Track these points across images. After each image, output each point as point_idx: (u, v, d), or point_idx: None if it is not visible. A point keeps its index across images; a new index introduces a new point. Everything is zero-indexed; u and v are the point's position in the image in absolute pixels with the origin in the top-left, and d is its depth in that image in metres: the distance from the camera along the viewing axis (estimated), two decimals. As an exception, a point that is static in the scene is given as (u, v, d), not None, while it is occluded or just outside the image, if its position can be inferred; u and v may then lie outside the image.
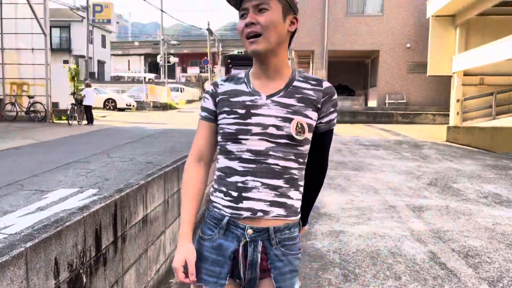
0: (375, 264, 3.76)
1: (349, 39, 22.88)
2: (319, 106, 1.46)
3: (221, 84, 1.49)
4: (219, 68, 57.56)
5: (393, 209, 5.54)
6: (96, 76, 43.15)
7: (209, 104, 1.49)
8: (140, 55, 63.21)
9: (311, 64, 26.04)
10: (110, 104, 24.38)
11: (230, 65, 75.85)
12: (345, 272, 3.58)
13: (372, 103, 24.19)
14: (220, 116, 1.45)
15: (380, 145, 12.52)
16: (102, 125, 16.26)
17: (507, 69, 17.00)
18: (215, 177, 1.49)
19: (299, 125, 1.39)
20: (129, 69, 60.94)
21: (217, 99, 1.47)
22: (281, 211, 1.41)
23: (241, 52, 52.86)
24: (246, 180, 1.39)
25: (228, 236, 1.41)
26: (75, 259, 1.73)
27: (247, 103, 1.41)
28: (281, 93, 1.43)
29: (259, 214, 1.39)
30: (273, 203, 1.40)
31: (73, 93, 16.60)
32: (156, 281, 2.86)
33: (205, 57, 42.80)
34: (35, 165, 7.54)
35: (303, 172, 1.48)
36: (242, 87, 1.46)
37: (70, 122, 15.28)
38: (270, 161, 1.39)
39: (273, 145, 1.39)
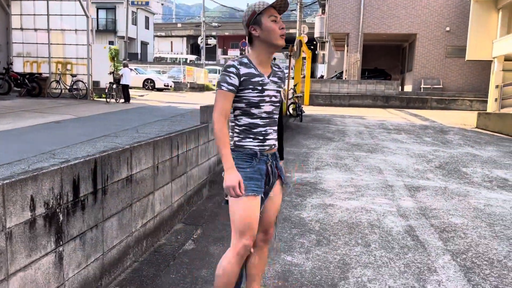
0: (351, 233, 4.06)
1: (386, 21, 22.39)
2: (284, 80, 2.41)
3: (239, 68, 2.19)
4: (259, 50, 57.58)
5: (390, 188, 5.75)
6: (139, 57, 44.56)
7: (235, 81, 2.18)
8: (182, 36, 64.38)
9: (345, 47, 25.73)
10: (149, 84, 25.33)
11: (271, 48, 75.06)
12: (320, 238, 3.91)
13: (408, 87, 23.69)
14: (246, 91, 2.19)
15: (403, 129, 12.47)
16: (138, 103, 17.09)
17: (551, 54, 16.19)
18: (237, 130, 2.27)
19: (283, 94, 2.31)
20: (171, 51, 62.35)
21: (241, 78, 2.18)
22: (276, 142, 2.37)
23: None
24: (266, 129, 2.27)
25: (260, 162, 2.25)
26: (51, 199, 2.19)
27: (260, 82, 2.21)
28: (272, 75, 2.29)
29: (273, 146, 2.32)
30: (275, 139, 2.35)
31: (112, 73, 17.48)
32: (142, 233, 3.32)
33: (244, 40, 43.02)
34: (70, 137, 8.27)
35: None
36: (253, 70, 2.21)
37: (108, 100, 16.19)
38: (274, 116, 2.32)
39: (274, 107, 2.30)
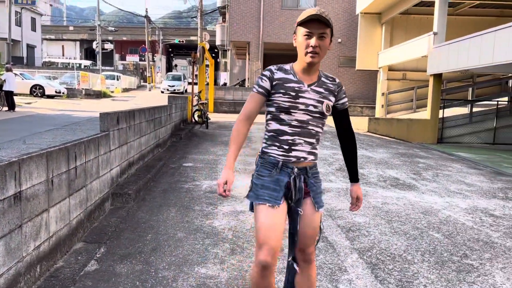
0: (264, 239, 4.04)
1: (283, 31, 23.39)
2: (335, 93, 2.25)
3: (275, 72, 2.18)
4: (160, 56, 56.30)
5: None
6: (25, 61, 40.67)
7: (267, 84, 2.17)
8: (75, 40, 60.21)
9: (247, 55, 26.29)
10: (37, 91, 23.14)
11: (172, 54, 73.94)
12: (234, 246, 3.82)
13: (306, 95, 24.97)
14: (276, 95, 2.15)
15: (305, 134, 13.05)
16: (25, 111, 15.48)
17: (426, 66, 18.30)
18: (266, 136, 2.24)
19: (327, 106, 2.19)
20: (63, 55, 57.89)
21: (274, 82, 2.16)
22: (312, 157, 2.23)
23: (182, 41, 52.02)
24: (294, 138, 2.16)
25: (282, 173, 2.17)
26: None
27: (296, 88, 2.15)
28: (316, 84, 2.19)
29: (301, 159, 2.19)
30: (309, 153, 2.21)
31: (-7, 78, 15.63)
32: (35, 257, 2.91)
33: (143, 45, 41.68)
34: None
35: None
36: (290, 76, 2.17)
37: (-12, 108, 14.42)
38: (309, 127, 2.18)
39: (311, 117, 2.17)
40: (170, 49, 68.26)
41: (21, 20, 40.39)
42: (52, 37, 58.69)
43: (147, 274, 3.19)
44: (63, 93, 24.24)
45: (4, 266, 2.51)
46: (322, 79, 2.23)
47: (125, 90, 34.65)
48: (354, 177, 2.42)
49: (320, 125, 2.23)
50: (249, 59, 24.82)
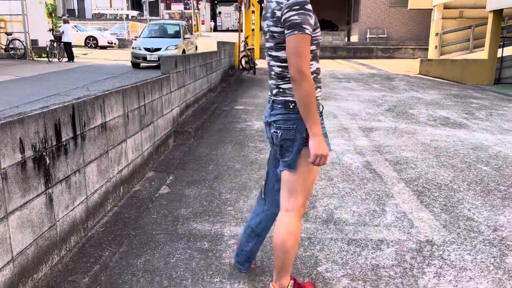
0: (315, 170, 4.35)
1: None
2: None
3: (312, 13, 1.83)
4: (204, 4, 55.76)
5: (346, 130, 6.11)
6: (76, 13, 41.84)
7: (313, 21, 1.82)
8: (122, -9, 60.67)
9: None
10: (91, 42, 24.08)
11: (216, 1, 72.98)
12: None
13: (355, 38, 24.20)
14: (316, 30, 1.87)
15: (353, 78, 12.93)
16: (83, 62, 16.33)
17: (485, 2, 17.09)
18: (315, 75, 1.92)
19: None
20: (111, 6, 58.76)
21: (313, 21, 1.84)
22: None
23: (227, -12, 51.00)
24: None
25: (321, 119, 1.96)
26: (38, 143, 2.22)
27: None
28: None
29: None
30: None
31: (51, 30, 16.44)
32: (119, 179, 3.40)
33: (188, -8, 41.36)
34: (16, 98, 7.89)
35: None
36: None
37: (50, 59, 15.33)
38: None
39: None
40: (215, -4, 67.18)
41: (70, -28, 41.15)
42: (100, -12, 59.31)
43: (212, 196, 3.62)
44: (115, 43, 25.05)
45: (97, 184, 2.99)
46: None
47: (173, 39, 35.07)
48: None
49: None
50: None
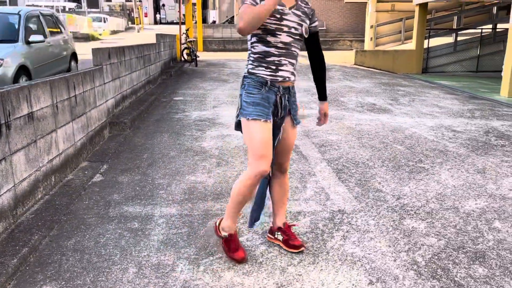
0: (246, 155, 4.61)
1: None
2: (310, 17, 2.39)
3: None
4: (146, -4, 54.37)
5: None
6: (7, 4, 39.39)
7: (258, 1, 2.19)
8: (57, -19, 57.78)
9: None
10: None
11: (159, -6, 70.85)
12: (219, 161, 4.40)
13: (296, 30, 24.84)
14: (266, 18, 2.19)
15: (292, 68, 13.38)
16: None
17: (414, -4, 18.19)
18: (251, 58, 2.36)
19: (305, 28, 2.33)
20: (46, -2, 55.83)
21: (261, 2, 2.16)
22: (293, 77, 2.39)
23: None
24: (280, 59, 2.31)
25: (270, 92, 2.33)
26: (-42, 131, 2.28)
27: (280, 10, 2.25)
28: (295, 7, 2.31)
29: (286, 79, 2.35)
30: (291, 73, 2.37)
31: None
32: (49, 169, 3.46)
33: (128, -16, 40.23)
34: None
35: None
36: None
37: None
38: (292, 49, 2.33)
39: (293, 39, 2.31)
40: (157, -12, 65.68)
41: (-2, -39, 38.60)
42: (33, -22, 56.15)
43: (145, 182, 3.77)
44: (50, 37, 23.92)
45: (25, 172, 3.06)
46: (299, 2, 2.35)
47: (113, 32, 34.05)
48: (322, 95, 2.58)
49: (299, 47, 2.38)
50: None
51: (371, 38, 20.18)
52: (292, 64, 2.36)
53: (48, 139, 3.47)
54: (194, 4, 20.38)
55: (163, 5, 67.71)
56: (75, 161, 4.07)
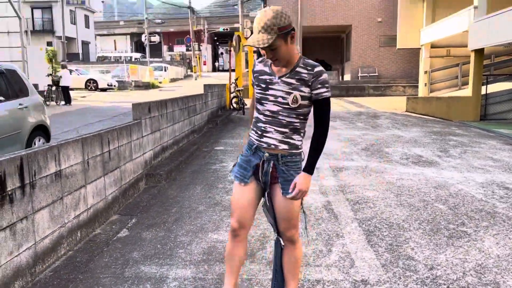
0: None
1: (323, 14, 23.29)
2: (309, 83, 2.24)
3: (256, 65, 2.41)
4: (205, 45, 57.43)
5: (316, 170, 6.28)
6: (80, 57, 43.14)
7: (252, 77, 2.42)
8: (126, 34, 62.80)
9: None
10: (91, 85, 24.77)
11: (217, 42, 74.91)
12: (246, 217, 4.31)
13: (347, 77, 24.78)
14: (255, 86, 2.38)
15: (339, 116, 13.22)
16: (80, 105, 16.81)
17: (470, 40, 17.61)
18: (253, 120, 2.46)
19: (294, 98, 2.23)
20: (115, 49, 60.68)
21: (254, 75, 2.38)
22: (285, 146, 2.32)
23: (227, 29, 52.71)
24: (266, 126, 2.33)
25: (255, 155, 2.38)
26: (-22, 193, 2.42)
27: (267, 80, 2.31)
28: (287, 75, 2.26)
29: (272, 146, 2.32)
30: (280, 141, 2.31)
31: (50, 75, 17.05)
32: (75, 224, 3.56)
33: (188, 35, 42.81)
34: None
35: (305, 124, 2.36)
36: (266, 69, 2.34)
37: (48, 102, 15.81)
38: (280, 117, 2.29)
39: (281, 108, 2.27)
40: (216, 38, 69.23)
41: (76, 18, 42.81)
42: (105, 32, 61.49)
43: (167, 239, 3.76)
44: (114, 86, 25.75)
45: (48, 229, 3.16)
46: (297, 69, 2.23)
47: (173, 80, 35.99)
48: (306, 167, 2.29)
49: (294, 115, 2.25)
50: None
51: (426, 83, 19.65)
52: (281, 132, 2.28)
53: (76, 195, 3.59)
54: (246, 53, 21.09)
55: (222, 53, 71.01)
56: (104, 215, 4.17)
